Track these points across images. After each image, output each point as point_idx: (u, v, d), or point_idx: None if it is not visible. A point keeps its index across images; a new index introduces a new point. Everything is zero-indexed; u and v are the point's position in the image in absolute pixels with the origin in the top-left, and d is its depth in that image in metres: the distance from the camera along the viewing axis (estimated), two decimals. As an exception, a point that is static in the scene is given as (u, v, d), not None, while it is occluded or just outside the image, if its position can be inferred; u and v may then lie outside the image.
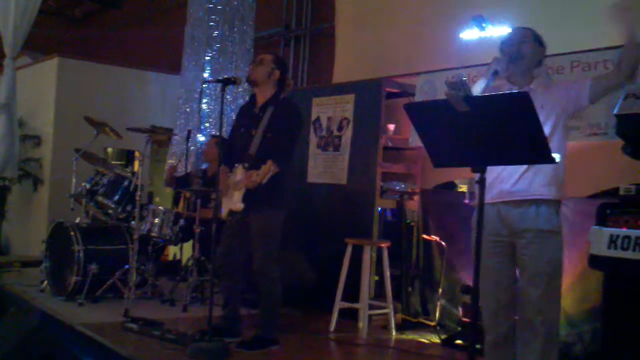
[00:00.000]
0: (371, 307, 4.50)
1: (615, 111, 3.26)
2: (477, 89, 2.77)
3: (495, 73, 2.74)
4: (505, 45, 2.88)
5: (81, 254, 4.79)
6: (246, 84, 4.44)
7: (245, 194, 3.80)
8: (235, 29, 6.61)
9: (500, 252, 2.82)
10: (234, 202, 3.85)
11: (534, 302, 2.73)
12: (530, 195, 2.74)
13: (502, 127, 2.29)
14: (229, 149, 4.08)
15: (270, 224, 3.88)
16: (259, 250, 3.86)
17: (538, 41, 2.91)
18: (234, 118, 5.83)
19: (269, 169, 3.63)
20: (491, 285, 2.81)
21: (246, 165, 3.86)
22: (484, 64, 4.34)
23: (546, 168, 2.71)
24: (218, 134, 6.13)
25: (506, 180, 2.78)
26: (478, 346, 3.52)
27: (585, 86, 2.80)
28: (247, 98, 6.16)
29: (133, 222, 4.88)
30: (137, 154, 7.70)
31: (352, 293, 4.52)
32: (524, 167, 2.74)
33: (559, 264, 2.79)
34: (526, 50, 2.85)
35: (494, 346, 2.88)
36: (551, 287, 2.75)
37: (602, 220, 3.04)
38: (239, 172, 3.89)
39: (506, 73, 2.80)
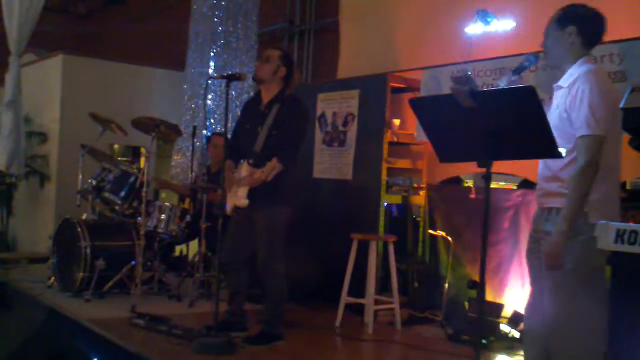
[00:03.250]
0: (377, 302, 4.50)
1: (621, 105, 3.24)
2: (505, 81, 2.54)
3: (522, 69, 2.57)
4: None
5: (88, 250, 4.81)
6: (251, 80, 4.43)
7: (250, 190, 3.81)
8: (239, 25, 6.61)
9: (535, 249, 2.63)
10: (238, 198, 3.86)
11: (547, 320, 2.49)
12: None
13: (508, 122, 2.27)
14: (234, 145, 4.08)
15: (275, 220, 3.87)
16: (263, 246, 3.87)
17: (561, 24, 2.58)
18: (239, 114, 5.81)
19: (273, 166, 3.62)
20: (531, 280, 2.67)
21: (251, 161, 3.87)
22: (489, 59, 4.37)
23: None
24: (216, 132, 6.15)
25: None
26: (484, 341, 3.54)
27: (577, 130, 2.45)
28: (252, 93, 6.18)
29: (139, 218, 4.90)
30: (142, 150, 7.73)
31: (357, 288, 4.52)
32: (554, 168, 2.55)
33: (581, 276, 2.43)
34: (549, 44, 2.62)
35: (526, 337, 2.73)
36: (570, 305, 2.43)
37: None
38: (244, 169, 3.89)
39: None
